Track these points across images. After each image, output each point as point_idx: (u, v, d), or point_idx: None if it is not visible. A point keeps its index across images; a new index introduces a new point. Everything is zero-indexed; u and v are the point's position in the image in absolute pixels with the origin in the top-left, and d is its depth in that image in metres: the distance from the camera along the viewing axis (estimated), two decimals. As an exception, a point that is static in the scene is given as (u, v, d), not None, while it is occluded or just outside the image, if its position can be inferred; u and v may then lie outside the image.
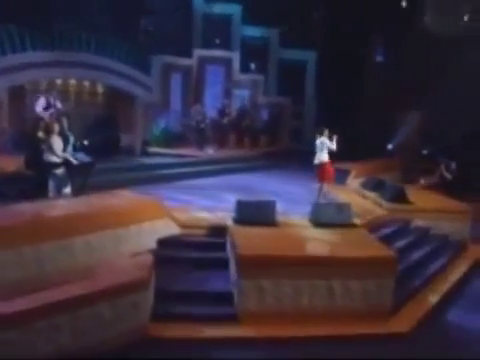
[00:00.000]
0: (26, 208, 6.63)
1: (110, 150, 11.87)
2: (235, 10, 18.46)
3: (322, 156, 9.99)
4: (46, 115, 9.92)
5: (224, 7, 18.42)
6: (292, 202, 9.75)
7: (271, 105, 18.44)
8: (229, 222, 7.62)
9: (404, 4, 17.45)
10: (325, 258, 6.34)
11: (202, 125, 15.10)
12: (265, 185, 12.29)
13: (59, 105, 10.39)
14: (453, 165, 12.86)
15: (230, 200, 9.51)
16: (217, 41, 18.11)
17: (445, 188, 12.04)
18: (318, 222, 7.77)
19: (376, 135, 18.30)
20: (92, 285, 5.29)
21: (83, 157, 8.46)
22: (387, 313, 6.53)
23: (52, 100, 10.33)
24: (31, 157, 8.68)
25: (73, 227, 6.35)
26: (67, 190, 8.30)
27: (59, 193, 8.26)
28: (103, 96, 16.20)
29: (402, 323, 6.50)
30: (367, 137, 18.12)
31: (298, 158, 16.57)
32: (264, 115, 18.19)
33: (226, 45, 18.38)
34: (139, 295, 5.59)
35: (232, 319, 6.19)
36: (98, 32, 14.79)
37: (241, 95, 17.93)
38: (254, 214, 7.62)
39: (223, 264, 7.21)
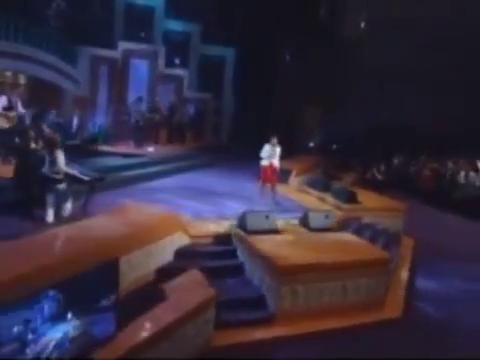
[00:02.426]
0: (65, 232, 6.53)
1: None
2: (158, 2, 18.34)
3: (271, 159, 11.16)
4: (14, 115, 9.33)
5: (147, -2, 18.20)
6: (254, 204, 10.52)
7: (196, 100, 18.91)
8: (239, 231, 8.35)
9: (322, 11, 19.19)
10: (345, 262, 7.53)
11: (141, 123, 15.06)
12: (218, 185, 12.91)
13: (20, 107, 9.77)
14: (383, 167, 15.04)
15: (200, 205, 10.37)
16: (142, 34, 17.86)
17: (375, 187, 14.12)
18: (309, 227, 8.98)
19: (288, 132, 20.02)
20: (178, 308, 5.66)
21: (89, 172, 8.27)
22: (382, 303, 8.00)
23: (14, 100, 9.67)
24: (23, 168, 8.17)
25: (118, 247, 6.51)
26: (68, 206, 8.11)
27: (58, 209, 8.04)
28: (26, 88, 15.09)
29: (392, 310, 8.02)
30: (280, 134, 19.75)
31: (227, 155, 17.51)
32: (190, 110, 18.60)
33: (149, 38, 18.24)
34: (210, 311, 6.13)
35: (269, 320, 7.04)
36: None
37: (167, 90, 18.05)
38: (260, 223, 8.49)
39: (237, 270, 7.99)
